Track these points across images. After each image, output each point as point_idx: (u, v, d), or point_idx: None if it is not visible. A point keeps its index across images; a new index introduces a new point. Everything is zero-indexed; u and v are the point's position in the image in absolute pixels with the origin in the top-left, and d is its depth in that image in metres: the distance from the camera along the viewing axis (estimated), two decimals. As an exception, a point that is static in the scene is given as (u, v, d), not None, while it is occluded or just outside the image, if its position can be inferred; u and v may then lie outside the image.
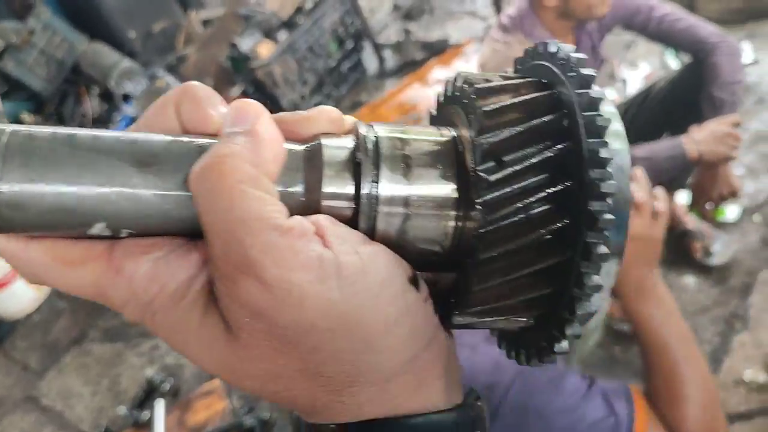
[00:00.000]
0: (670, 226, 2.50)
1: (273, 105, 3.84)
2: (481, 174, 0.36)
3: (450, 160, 0.39)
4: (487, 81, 0.39)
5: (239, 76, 3.97)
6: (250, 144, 0.36)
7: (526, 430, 1.18)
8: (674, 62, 3.34)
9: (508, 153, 0.36)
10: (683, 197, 2.58)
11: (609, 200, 0.34)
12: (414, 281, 0.38)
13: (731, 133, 1.97)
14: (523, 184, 0.36)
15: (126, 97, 4.16)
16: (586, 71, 0.37)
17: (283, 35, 4.15)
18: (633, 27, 2.23)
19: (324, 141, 0.39)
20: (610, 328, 2.38)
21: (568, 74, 0.37)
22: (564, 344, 0.38)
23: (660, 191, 1.37)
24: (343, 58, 4.38)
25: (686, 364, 1.26)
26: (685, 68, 2.28)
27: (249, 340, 0.35)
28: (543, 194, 0.37)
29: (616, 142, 0.36)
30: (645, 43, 3.57)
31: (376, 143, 0.38)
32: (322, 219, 0.36)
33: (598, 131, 0.35)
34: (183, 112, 0.39)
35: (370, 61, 4.47)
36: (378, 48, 4.54)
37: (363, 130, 0.39)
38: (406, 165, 0.38)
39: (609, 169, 0.35)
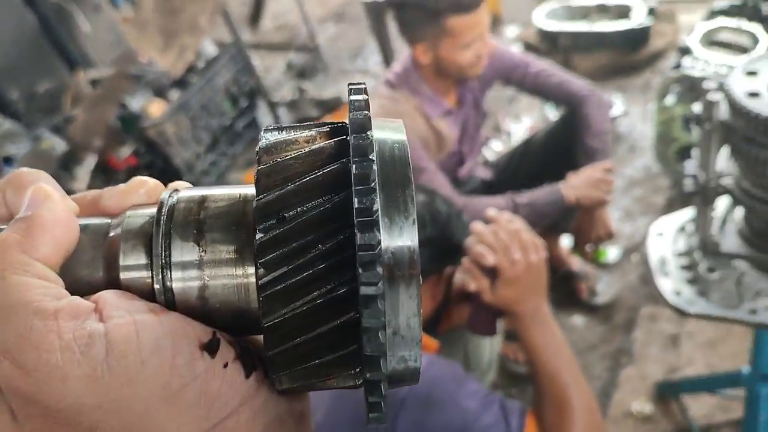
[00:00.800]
0: (555, 267, 2.64)
1: (166, 164, 3.79)
2: (257, 234, 0.35)
3: (242, 221, 0.38)
4: (285, 131, 0.39)
5: (129, 136, 3.91)
6: (25, 229, 0.36)
7: (428, 419, 1.22)
8: (553, 115, 3.55)
9: (288, 209, 0.35)
10: (567, 241, 2.72)
11: (374, 251, 0.32)
12: (210, 347, 0.36)
13: (604, 178, 2.11)
14: (302, 241, 0.35)
15: (8, 160, 3.99)
16: (361, 114, 0.35)
17: (175, 94, 4.14)
18: (511, 82, 2.37)
19: (129, 213, 0.39)
20: (505, 370, 2.45)
21: (350, 117, 0.36)
22: (375, 414, 0.36)
23: (511, 218, 1.45)
24: (238, 116, 4.39)
25: (575, 391, 1.34)
26: (560, 120, 2.44)
27: (32, 426, 0.34)
28: (323, 249, 0.35)
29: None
30: (527, 98, 3.78)
31: (171, 210, 0.38)
32: (105, 294, 0.36)
33: (365, 177, 0.33)
34: (7, 199, 0.40)
35: (265, 119, 4.50)
36: (273, 106, 4.57)
37: (165, 196, 0.39)
38: (198, 231, 0.38)
39: (375, 216, 0.33)
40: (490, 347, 1.93)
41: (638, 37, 3.95)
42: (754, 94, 1.22)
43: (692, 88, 2.58)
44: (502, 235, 1.40)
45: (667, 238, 1.63)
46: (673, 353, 2.49)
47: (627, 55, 3.98)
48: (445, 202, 1.58)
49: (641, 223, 2.94)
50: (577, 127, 2.26)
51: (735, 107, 1.21)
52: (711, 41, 2.91)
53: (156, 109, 4.01)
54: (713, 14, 2.96)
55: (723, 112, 1.28)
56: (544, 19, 4.11)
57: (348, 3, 5.78)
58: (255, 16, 5.89)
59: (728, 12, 2.93)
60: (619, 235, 2.94)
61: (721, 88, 1.28)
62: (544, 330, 1.40)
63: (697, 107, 1.30)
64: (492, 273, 1.40)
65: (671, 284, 1.49)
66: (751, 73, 1.27)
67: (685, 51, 2.77)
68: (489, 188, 2.52)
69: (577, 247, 2.28)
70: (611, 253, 2.87)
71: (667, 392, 2.31)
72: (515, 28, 4.66)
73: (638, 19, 3.92)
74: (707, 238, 1.43)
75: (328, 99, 4.51)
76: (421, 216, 1.51)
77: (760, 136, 1.20)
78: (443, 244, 1.54)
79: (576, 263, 2.74)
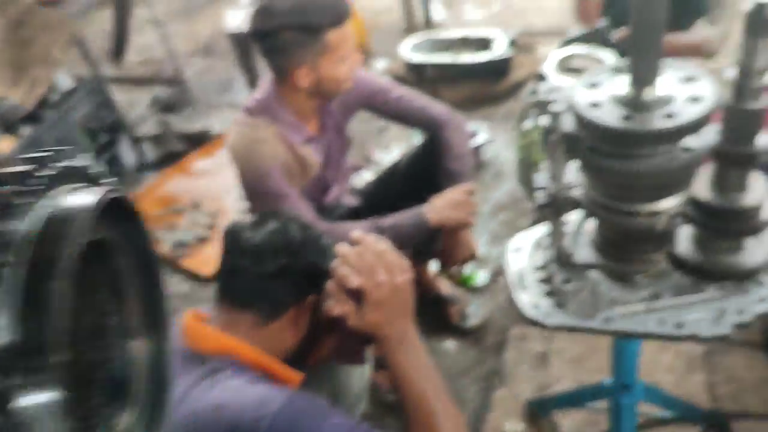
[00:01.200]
0: (425, 293, 2.63)
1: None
2: None
3: None
4: None
5: (-26, 175, 3.61)
6: None
7: None
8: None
9: None
10: (435, 266, 2.73)
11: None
12: None
13: (466, 200, 2.13)
14: None
15: None
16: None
17: (26, 130, 3.87)
18: (373, 107, 2.36)
19: None
20: (378, 400, 2.40)
21: None
22: None
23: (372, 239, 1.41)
24: (98, 152, 4.18)
25: (444, 416, 1.30)
26: (422, 145, 2.45)
27: None
28: None
29: None
30: (395, 128, 3.82)
31: None
32: None
33: None
34: None
35: (127, 154, 4.30)
36: (136, 141, 4.39)
37: None
38: None
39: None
40: (359, 377, 1.87)
41: (500, 68, 4.10)
42: (595, 105, 1.25)
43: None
44: (367, 256, 1.36)
45: (524, 253, 1.64)
46: (543, 371, 2.53)
47: (490, 85, 4.11)
48: (302, 227, 1.52)
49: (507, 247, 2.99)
50: (439, 151, 2.27)
51: (578, 117, 1.24)
52: (565, 68, 3.04)
53: (5, 145, 3.74)
54: (567, 42, 3.10)
55: (568, 123, 1.30)
56: (410, 52, 4.18)
57: (216, 37, 5.67)
58: (118, 50, 5.67)
59: (580, 40, 3.09)
60: (487, 259, 2.98)
61: (566, 100, 1.30)
62: (412, 353, 1.36)
63: (544, 120, 1.32)
64: (357, 296, 1.34)
65: (529, 298, 1.50)
66: (594, 85, 1.30)
67: (541, 78, 2.88)
68: (356, 215, 2.48)
69: (444, 269, 2.28)
70: (480, 276, 2.91)
71: (538, 410, 2.33)
72: (383, 61, 4.72)
73: (499, 50, 4.07)
74: (561, 250, 1.45)
75: (194, 133, 4.38)
76: (273, 244, 1.45)
77: (601, 144, 1.23)
78: (301, 272, 1.47)
79: (446, 288, 2.75)
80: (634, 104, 1.21)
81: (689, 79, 1.26)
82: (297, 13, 1.91)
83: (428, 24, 4.92)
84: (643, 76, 1.19)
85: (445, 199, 2.10)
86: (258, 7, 1.98)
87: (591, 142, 1.25)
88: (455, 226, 2.10)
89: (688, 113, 1.18)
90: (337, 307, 1.36)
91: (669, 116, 1.18)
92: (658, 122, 1.17)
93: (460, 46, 4.25)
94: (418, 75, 4.17)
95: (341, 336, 1.51)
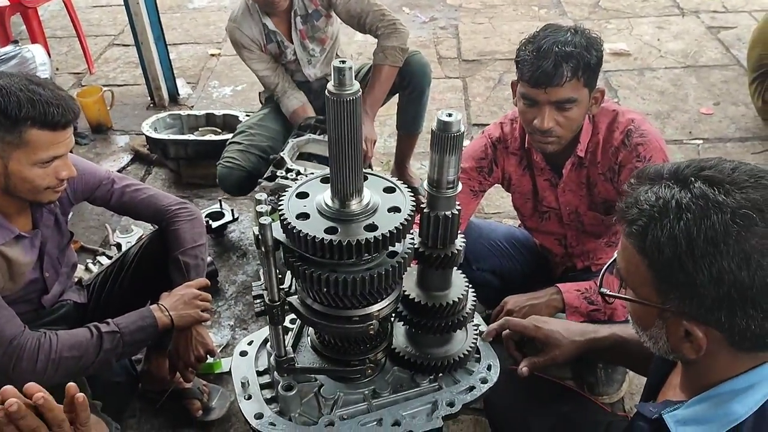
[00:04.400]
0: (163, 386, 2.47)
1: None
2: None
3: None
4: None
5: None
6: None
7: None
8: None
9: None
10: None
11: None
12: None
13: (199, 295, 2.05)
14: None
15: None
16: None
17: None
18: (97, 201, 2.22)
19: None
20: None
21: None
22: None
23: None
24: None
25: None
26: (153, 235, 2.34)
27: None
28: None
29: None
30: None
31: None
32: None
33: None
34: None
35: None
36: None
37: None
38: None
39: None
40: None
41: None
42: (303, 215, 1.27)
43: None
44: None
45: (250, 356, 1.61)
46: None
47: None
48: None
49: (253, 329, 2.94)
50: (170, 243, 2.19)
51: (287, 229, 1.25)
52: (300, 153, 3.13)
53: None
54: (303, 128, 3.20)
55: (281, 231, 1.30)
56: (152, 129, 4.04)
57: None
58: None
59: (314, 127, 3.20)
60: (232, 344, 2.91)
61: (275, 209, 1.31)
62: None
63: (256, 229, 1.31)
64: None
65: (252, 407, 1.46)
66: (302, 195, 1.32)
67: (279, 163, 2.92)
68: (83, 312, 2.30)
69: (175, 370, 2.15)
70: (227, 362, 2.81)
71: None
72: (125, 137, 4.51)
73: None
74: (280, 357, 1.44)
75: None
76: None
77: (309, 255, 1.25)
78: None
79: (187, 379, 2.61)
80: (339, 216, 1.25)
81: (389, 190, 1.33)
82: (4, 93, 1.73)
83: (173, 100, 4.82)
84: (346, 190, 1.23)
85: (177, 296, 2.02)
86: None
87: (300, 253, 1.27)
88: (188, 324, 2.02)
89: (389, 223, 1.24)
90: None
91: (372, 227, 1.23)
92: (362, 234, 1.22)
93: (204, 123, 4.19)
94: (161, 152, 4.03)
95: None
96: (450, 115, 1.20)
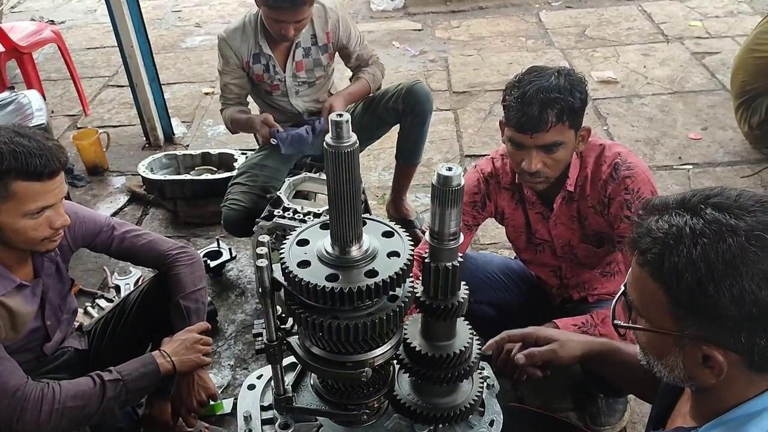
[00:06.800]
0: (166, 430, 2.47)
1: None
2: None
3: None
4: None
5: None
6: None
7: None
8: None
9: None
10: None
11: None
12: None
13: (201, 339, 2.07)
14: None
15: None
16: None
17: None
18: (97, 247, 2.24)
19: None
20: None
21: None
22: None
23: None
24: None
25: None
26: (152, 280, 2.36)
27: None
28: None
29: None
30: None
31: None
32: None
33: None
34: None
35: None
36: None
37: None
38: None
39: None
40: None
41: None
42: (304, 263, 1.29)
43: (283, 235, 2.73)
44: None
45: (257, 390, 1.63)
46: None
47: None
48: None
49: (254, 368, 2.94)
50: (171, 288, 2.21)
51: (288, 277, 1.27)
52: (297, 192, 3.16)
53: None
54: (297, 167, 3.24)
55: (280, 274, 1.32)
56: (148, 170, 4.07)
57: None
58: None
59: (311, 166, 3.24)
60: (233, 383, 2.91)
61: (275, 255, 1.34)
62: None
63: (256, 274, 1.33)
64: None
65: (251, 446, 1.47)
66: (303, 242, 1.35)
67: (276, 202, 2.95)
68: (85, 358, 2.30)
69: (179, 416, 2.15)
70: (228, 403, 2.82)
71: None
72: (122, 178, 4.54)
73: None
74: (280, 395, 1.46)
75: None
76: None
77: (311, 301, 1.27)
78: None
79: (190, 423, 2.61)
80: (340, 263, 1.27)
81: (388, 234, 1.35)
82: None
83: (169, 140, 4.86)
84: (346, 237, 1.26)
85: (178, 341, 2.03)
86: None
87: (301, 298, 1.29)
88: (189, 369, 2.03)
89: (389, 268, 1.26)
90: None
91: (372, 273, 1.26)
92: (363, 280, 1.24)
93: (201, 162, 4.23)
94: (158, 192, 4.06)
95: None
96: (450, 169, 1.21)
